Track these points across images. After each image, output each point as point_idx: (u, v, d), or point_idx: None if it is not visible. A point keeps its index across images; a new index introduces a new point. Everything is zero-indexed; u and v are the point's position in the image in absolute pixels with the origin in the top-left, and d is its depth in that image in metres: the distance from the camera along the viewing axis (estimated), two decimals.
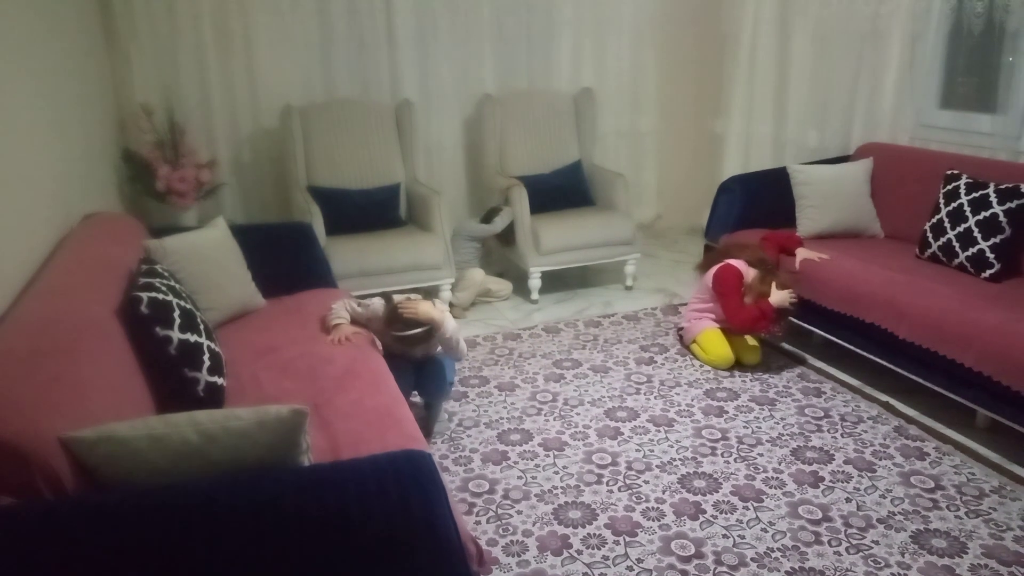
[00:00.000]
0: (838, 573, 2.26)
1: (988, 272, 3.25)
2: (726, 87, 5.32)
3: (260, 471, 1.59)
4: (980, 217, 3.30)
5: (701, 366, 3.64)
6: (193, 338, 2.24)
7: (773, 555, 2.34)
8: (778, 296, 3.45)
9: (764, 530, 2.45)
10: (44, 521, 1.42)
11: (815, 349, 3.80)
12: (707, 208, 4.33)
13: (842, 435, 3.01)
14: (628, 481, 2.72)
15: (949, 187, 3.48)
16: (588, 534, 2.44)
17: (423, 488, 1.59)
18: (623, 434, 3.04)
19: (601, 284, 4.81)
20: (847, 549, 2.36)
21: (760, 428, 3.07)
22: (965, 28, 3.83)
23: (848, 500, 2.60)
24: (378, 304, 2.93)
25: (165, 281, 2.36)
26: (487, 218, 4.51)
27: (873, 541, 2.40)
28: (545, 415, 3.19)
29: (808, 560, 2.32)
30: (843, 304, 3.37)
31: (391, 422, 2.21)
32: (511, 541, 2.41)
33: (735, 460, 2.85)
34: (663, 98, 5.48)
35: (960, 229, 3.36)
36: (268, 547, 1.47)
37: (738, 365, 3.59)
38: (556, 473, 2.78)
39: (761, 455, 2.88)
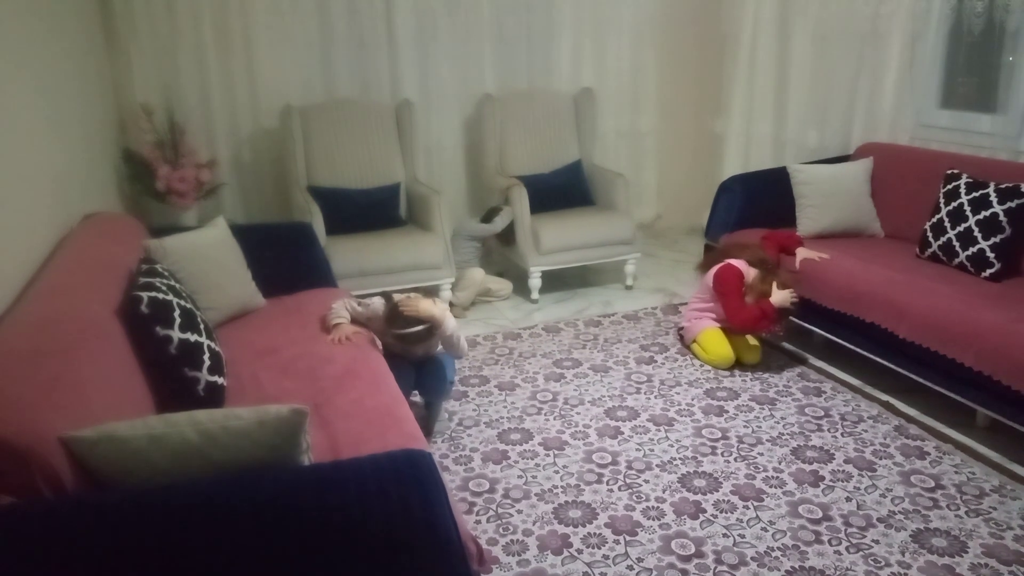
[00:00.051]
0: (838, 572, 2.26)
1: (988, 271, 3.25)
2: (726, 87, 5.32)
3: (260, 471, 1.59)
4: (980, 217, 3.30)
5: (701, 365, 3.64)
6: (193, 338, 2.24)
7: (773, 554, 2.34)
8: (779, 296, 3.45)
9: (764, 529, 2.45)
10: (44, 521, 1.42)
11: (815, 348, 3.80)
12: (707, 208, 4.33)
13: (842, 434, 3.01)
14: (628, 480, 2.72)
15: (949, 187, 3.48)
16: (588, 533, 2.44)
17: (423, 487, 1.59)
18: (623, 433, 3.04)
19: (601, 284, 4.81)
20: (847, 548, 2.36)
21: (760, 427, 3.07)
22: (965, 28, 3.83)
23: (848, 499, 2.60)
24: (378, 303, 2.93)
25: (165, 281, 2.36)
26: (487, 218, 4.51)
27: (873, 540, 2.40)
28: (545, 414, 3.19)
29: (808, 559, 2.32)
30: (843, 303, 3.37)
31: (391, 421, 2.21)
32: (511, 540, 2.41)
33: (735, 459, 2.85)
34: (663, 98, 5.48)
35: (960, 228, 3.36)
36: (268, 546, 1.47)
37: (738, 364, 3.60)
38: (556, 472, 2.78)
39: (761, 454, 2.88)
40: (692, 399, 3.31)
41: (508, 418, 3.16)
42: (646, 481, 2.72)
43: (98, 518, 1.45)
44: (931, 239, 3.49)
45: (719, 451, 2.91)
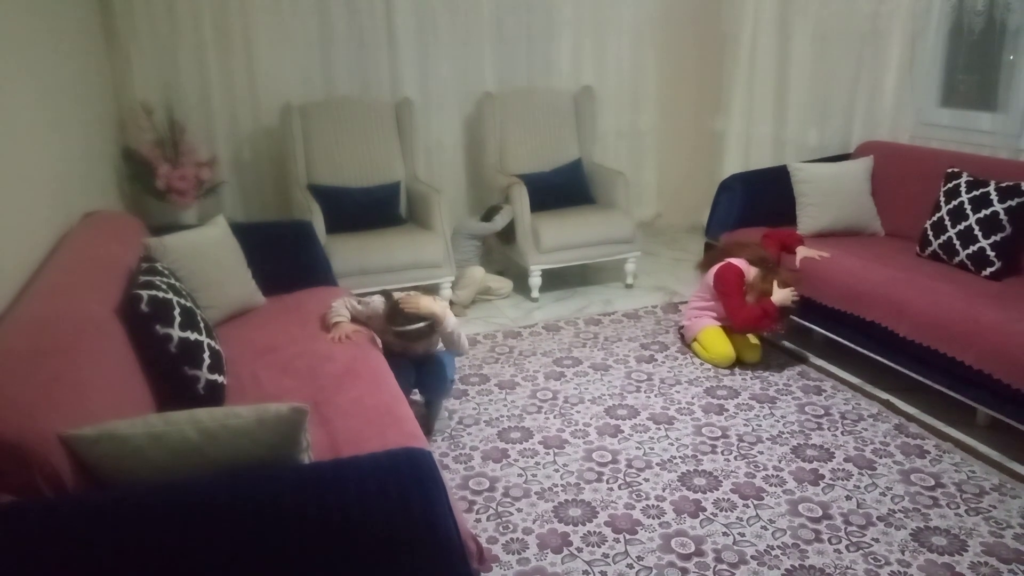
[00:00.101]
0: (838, 571, 2.26)
1: (989, 270, 3.25)
2: (726, 85, 5.32)
3: (260, 469, 1.59)
4: (981, 215, 3.29)
5: (701, 364, 3.63)
6: (193, 336, 2.24)
7: (773, 553, 2.34)
8: (780, 295, 3.45)
9: (764, 528, 2.45)
10: (44, 519, 1.42)
11: (816, 347, 3.80)
12: (707, 206, 4.33)
13: (842, 433, 3.01)
14: (628, 479, 2.72)
15: (950, 185, 3.48)
16: (588, 532, 2.44)
17: (423, 486, 1.59)
18: (623, 432, 3.04)
19: (601, 282, 4.81)
20: (847, 547, 2.36)
21: (760, 426, 3.07)
22: (965, 26, 3.83)
23: (848, 498, 2.60)
24: (378, 302, 2.93)
25: (165, 279, 2.36)
26: (487, 216, 4.51)
27: (873, 539, 2.40)
28: (545, 413, 3.19)
29: (808, 558, 2.32)
30: (844, 302, 3.36)
31: (391, 420, 2.21)
32: (511, 539, 2.41)
33: (735, 458, 2.85)
34: (663, 97, 5.48)
35: (961, 227, 3.36)
36: (268, 545, 1.47)
37: (738, 363, 3.60)
38: (556, 471, 2.78)
39: (761, 453, 2.88)
40: (692, 397, 3.31)
41: (508, 417, 3.16)
42: (646, 480, 2.72)
43: (98, 517, 1.45)
44: (931, 238, 3.49)
45: (719, 450, 2.91)
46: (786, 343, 3.84)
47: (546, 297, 4.55)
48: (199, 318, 2.36)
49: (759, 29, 4.98)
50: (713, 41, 5.36)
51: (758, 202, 4.07)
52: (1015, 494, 2.61)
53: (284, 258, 3.35)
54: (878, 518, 2.49)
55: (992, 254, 3.24)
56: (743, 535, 2.42)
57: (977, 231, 3.29)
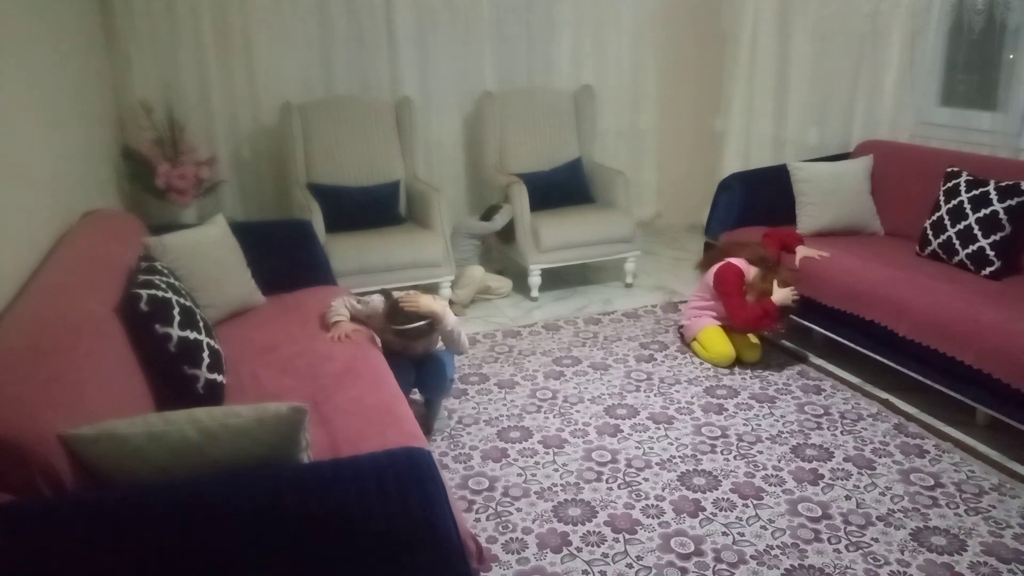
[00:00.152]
0: (837, 571, 2.26)
1: (988, 269, 3.25)
2: (726, 85, 5.32)
3: (259, 468, 1.59)
4: (980, 215, 3.29)
5: (701, 363, 3.63)
6: (193, 335, 2.24)
7: (772, 553, 2.34)
8: (781, 294, 3.45)
9: (764, 528, 2.45)
10: (43, 519, 1.42)
11: (815, 346, 3.80)
12: (707, 206, 4.33)
13: (842, 432, 3.01)
14: (628, 478, 2.72)
15: (949, 184, 3.48)
16: (588, 531, 2.44)
17: (423, 486, 1.59)
18: (623, 431, 3.04)
19: (601, 281, 4.81)
20: (847, 547, 2.36)
21: (760, 425, 3.07)
22: (965, 25, 3.83)
23: (848, 497, 2.60)
24: (378, 301, 2.93)
25: (164, 278, 2.36)
26: (487, 215, 4.51)
27: (873, 539, 2.40)
28: (545, 412, 3.19)
29: (807, 558, 2.32)
30: (843, 301, 3.36)
31: (391, 419, 2.21)
32: (511, 538, 2.41)
33: (735, 458, 2.85)
34: (663, 96, 5.48)
35: (960, 226, 3.36)
36: (267, 544, 1.47)
37: (738, 362, 3.60)
38: (556, 470, 2.78)
39: (761, 452, 2.88)
40: (692, 397, 3.31)
41: (508, 416, 3.16)
42: (645, 479, 2.72)
43: (97, 516, 1.45)
44: (931, 237, 3.49)
45: (719, 449, 2.91)
46: (786, 342, 3.84)
47: (546, 296, 4.55)
48: (198, 317, 2.36)
49: (759, 29, 4.98)
50: (713, 41, 5.36)
51: (758, 201, 4.07)
52: (1014, 494, 2.61)
53: (284, 257, 3.35)
54: (877, 518, 2.49)
55: (992, 253, 3.24)
56: (742, 535, 2.42)
57: (977, 230, 3.29)
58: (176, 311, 2.23)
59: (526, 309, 4.40)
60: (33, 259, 2.44)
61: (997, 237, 3.24)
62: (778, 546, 2.37)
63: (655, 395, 3.33)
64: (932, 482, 2.68)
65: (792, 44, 4.78)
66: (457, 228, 4.49)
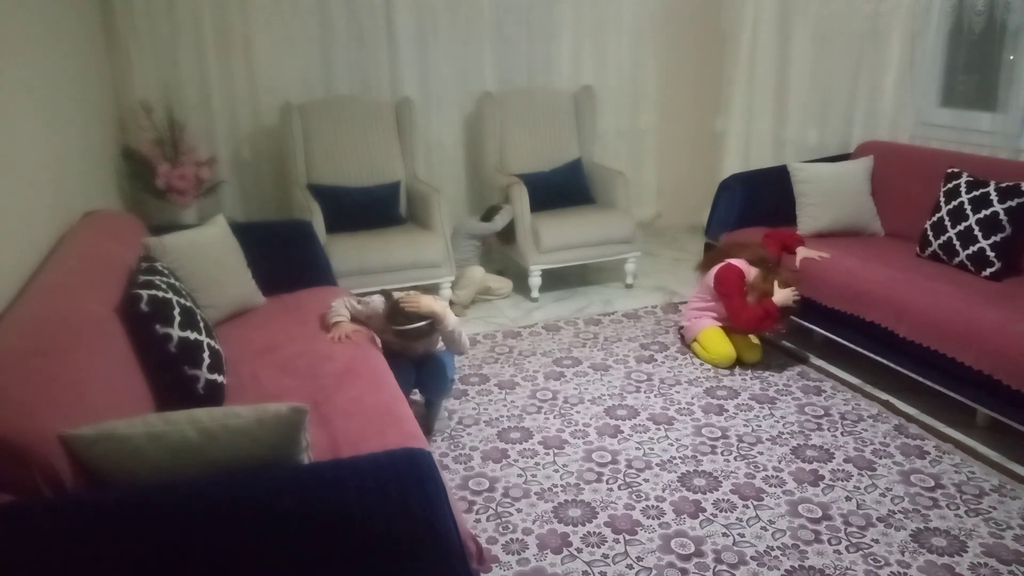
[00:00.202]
0: (838, 572, 2.26)
1: (988, 270, 3.25)
2: (726, 85, 5.32)
3: (260, 469, 1.59)
4: (981, 215, 3.29)
5: (701, 364, 3.63)
6: (193, 336, 2.24)
7: (773, 553, 2.34)
8: (782, 295, 3.44)
9: (764, 528, 2.45)
10: (43, 519, 1.42)
11: (815, 347, 3.80)
12: (707, 206, 4.33)
13: (842, 433, 3.01)
14: (628, 479, 2.72)
15: (950, 185, 3.48)
16: (588, 532, 2.44)
17: (423, 486, 1.58)
18: (623, 432, 3.04)
19: (601, 282, 4.81)
20: (847, 548, 2.36)
21: (760, 426, 3.07)
22: (966, 26, 3.83)
23: (848, 499, 2.60)
24: (378, 302, 2.93)
25: (165, 279, 2.36)
26: (487, 216, 4.51)
27: (873, 540, 2.40)
28: (545, 413, 3.19)
29: (808, 559, 2.32)
30: (843, 302, 3.36)
31: (391, 420, 2.21)
32: (511, 539, 2.41)
33: (735, 458, 2.85)
34: (663, 96, 5.48)
35: (960, 227, 3.36)
36: (267, 545, 1.47)
37: (738, 363, 3.59)
38: (556, 471, 2.78)
39: (761, 453, 2.88)
40: (692, 398, 3.31)
41: (508, 417, 3.16)
42: (646, 480, 2.72)
43: (97, 516, 1.45)
44: (931, 238, 3.48)
45: (719, 450, 2.91)
46: (786, 343, 3.84)
47: (546, 297, 4.55)
48: (199, 317, 2.36)
49: (759, 29, 4.98)
50: (713, 41, 5.36)
51: (758, 202, 4.07)
52: (1015, 495, 2.60)
53: (284, 258, 3.35)
54: (878, 519, 2.49)
55: (992, 254, 3.24)
56: (743, 536, 2.42)
57: (977, 231, 3.29)
58: (176, 311, 2.23)
59: (526, 310, 4.40)
60: (33, 259, 2.44)
61: (997, 238, 3.24)
62: (778, 547, 2.37)
63: (655, 396, 3.33)
64: (932, 483, 2.68)
65: (792, 44, 4.79)
66: (457, 229, 4.49)
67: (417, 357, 2.98)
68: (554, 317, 4.25)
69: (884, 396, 3.30)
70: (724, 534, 2.43)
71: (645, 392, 3.36)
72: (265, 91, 4.49)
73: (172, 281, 2.41)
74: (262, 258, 3.15)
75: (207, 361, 2.24)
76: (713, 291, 3.62)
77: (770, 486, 2.68)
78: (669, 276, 4.90)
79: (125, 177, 4.07)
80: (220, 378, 2.28)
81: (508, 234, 4.49)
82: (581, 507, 2.57)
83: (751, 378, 3.49)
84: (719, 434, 3.02)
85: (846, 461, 2.82)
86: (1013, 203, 3.23)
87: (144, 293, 2.17)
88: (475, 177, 5.06)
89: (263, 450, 1.58)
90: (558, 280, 4.75)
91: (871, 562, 2.30)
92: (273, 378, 2.48)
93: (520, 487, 2.69)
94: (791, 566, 2.28)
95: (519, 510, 2.56)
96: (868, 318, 3.24)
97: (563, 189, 4.70)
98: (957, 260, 3.36)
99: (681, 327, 3.91)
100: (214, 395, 2.24)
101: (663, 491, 2.65)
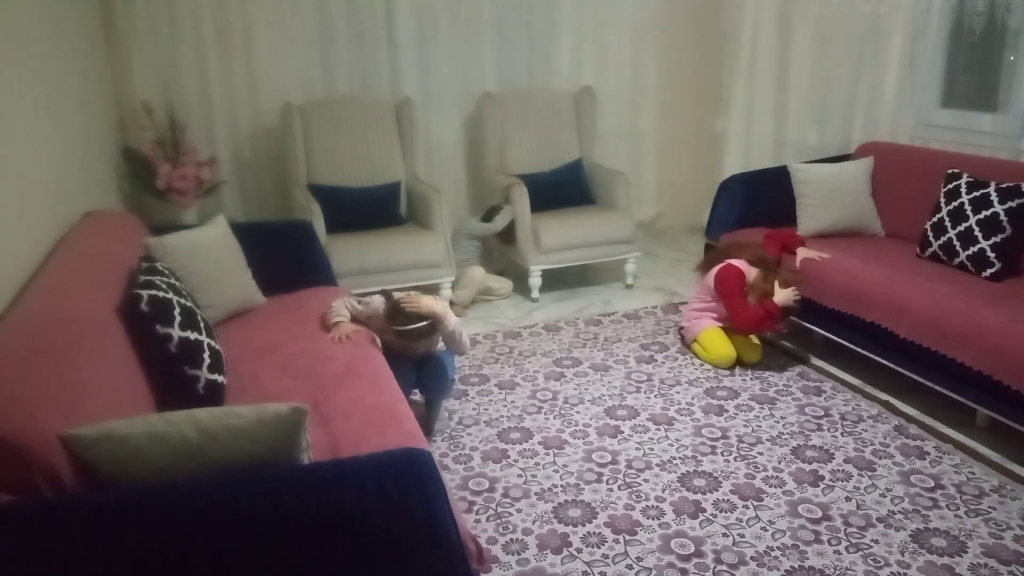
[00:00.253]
0: (838, 572, 2.26)
1: (989, 271, 3.25)
2: (726, 86, 5.32)
3: (260, 469, 1.59)
4: (981, 216, 3.29)
5: (701, 364, 3.63)
6: (193, 336, 2.24)
7: (773, 554, 2.34)
8: (782, 295, 3.45)
9: (764, 529, 2.45)
10: (43, 519, 1.42)
11: (815, 348, 3.80)
12: (707, 207, 4.33)
13: (842, 434, 3.01)
14: (628, 479, 2.72)
15: (950, 186, 3.48)
16: (588, 532, 2.44)
17: (423, 486, 1.58)
18: (623, 432, 3.04)
19: (601, 282, 4.81)
20: (847, 548, 2.36)
21: (760, 427, 3.07)
22: (966, 27, 3.83)
23: (848, 499, 2.60)
24: (378, 302, 2.93)
25: (165, 279, 2.36)
26: (487, 216, 4.51)
27: (873, 540, 2.40)
28: (545, 413, 3.19)
29: (808, 559, 2.32)
30: (844, 303, 3.36)
31: (391, 420, 2.21)
32: (511, 539, 2.41)
33: (735, 459, 2.85)
34: (663, 97, 5.48)
35: (961, 228, 3.36)
36: (268, 545, 1.47)
37: (739, 364, 3.60)
38: (556, 471, 2.78)
39: (761, 454, 2.88)
40: (692, 398, 3.31)
41: (508, 417, 3.16)
42: (646, 480, 2.72)
43: (97, 516, 1.45)
44: (931, 238, 3.49)
45: (719, 450, 2.91)
46: (786, 344, 3.84)
47: (546, 297, 4.55)
48: (199, 318, 2.36)
49: (759, 29, 4.98)
50: (713, 41, 5.36)
51: (758, 202, 4.07)
52: (1015, 496, 2.60)
53: (284, 258, 3.35)
54: (878, 519, 2.49)
55: (992, 255, 3.24)
56: (743, 536, 2.42)
57: (977, 232, 3.29)
58: (177, 311, 2.23)
59: (526, 310, 4.40)
60: (34, 259, 2.44)
61: (998, 239, 3.24)
62: (778, 547, 2.37)
63: (655, 396, 3.33)
64: (932, 484, 2.68)
65: (792, 45, 4.78)
66: (458, 229, 4.49)
67: (417, 357, 2.98)
68: (554, 317, 4.25)
69: (884, 396, 3.30)
70: (724, 534, 2.43)
71: (645, 392, 3.37)
72: (265, 91, 4.50)
73: (172, 281, 2.41)
74: (262, 258, 3.16)
75: (207, 361, 2.24)
76: (713, 291, 3.63)
77: (770, 486, 2.68)
78: (669, 276, 4.90)
79: (126, 177, 4.07)
80: (220, 378, 2.28)
81: (508, 234, 4.49)
82: (581, 507, 2.57)
83: (751, 378, 3.49)
84: (719, 434, 3.02)
85: (846, 461, 2.82)
86: (1013, 204, 3.23)
87: (144, 293, 2.17)
88: (475, 177, 5.06)
89: (263, 450, 1.59)
90: (558, 280, 4.76)
91: (871, 562, 2.30)
92: (273, 378, 2.48)
93: (520, 487, 2.69)
94: (791, 566, 2.28)
95: (519, 510, 2.56)
96: (868, 318, 3.24)
97: (563, 189, 4.70)
98: (957, 261, 3.36)
99: (681, 327, 3.91)
100: (214, 395, 2.24)
101: (663, 491, 2.65)
